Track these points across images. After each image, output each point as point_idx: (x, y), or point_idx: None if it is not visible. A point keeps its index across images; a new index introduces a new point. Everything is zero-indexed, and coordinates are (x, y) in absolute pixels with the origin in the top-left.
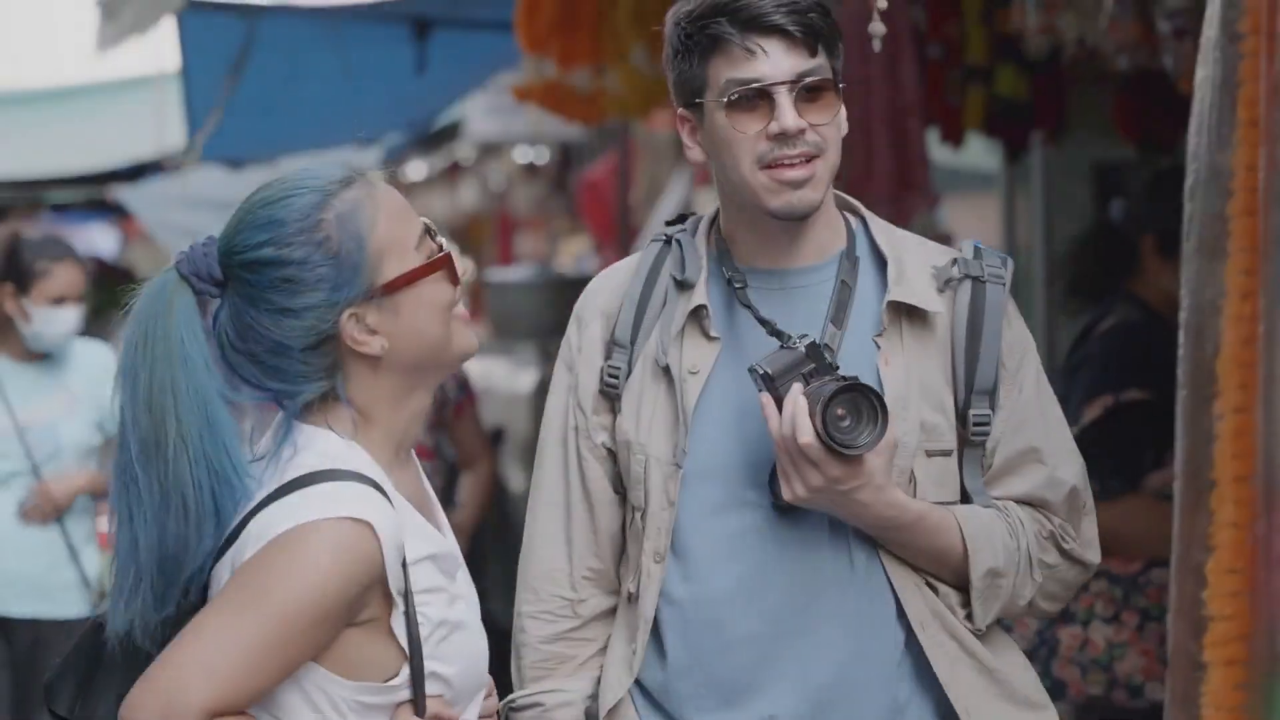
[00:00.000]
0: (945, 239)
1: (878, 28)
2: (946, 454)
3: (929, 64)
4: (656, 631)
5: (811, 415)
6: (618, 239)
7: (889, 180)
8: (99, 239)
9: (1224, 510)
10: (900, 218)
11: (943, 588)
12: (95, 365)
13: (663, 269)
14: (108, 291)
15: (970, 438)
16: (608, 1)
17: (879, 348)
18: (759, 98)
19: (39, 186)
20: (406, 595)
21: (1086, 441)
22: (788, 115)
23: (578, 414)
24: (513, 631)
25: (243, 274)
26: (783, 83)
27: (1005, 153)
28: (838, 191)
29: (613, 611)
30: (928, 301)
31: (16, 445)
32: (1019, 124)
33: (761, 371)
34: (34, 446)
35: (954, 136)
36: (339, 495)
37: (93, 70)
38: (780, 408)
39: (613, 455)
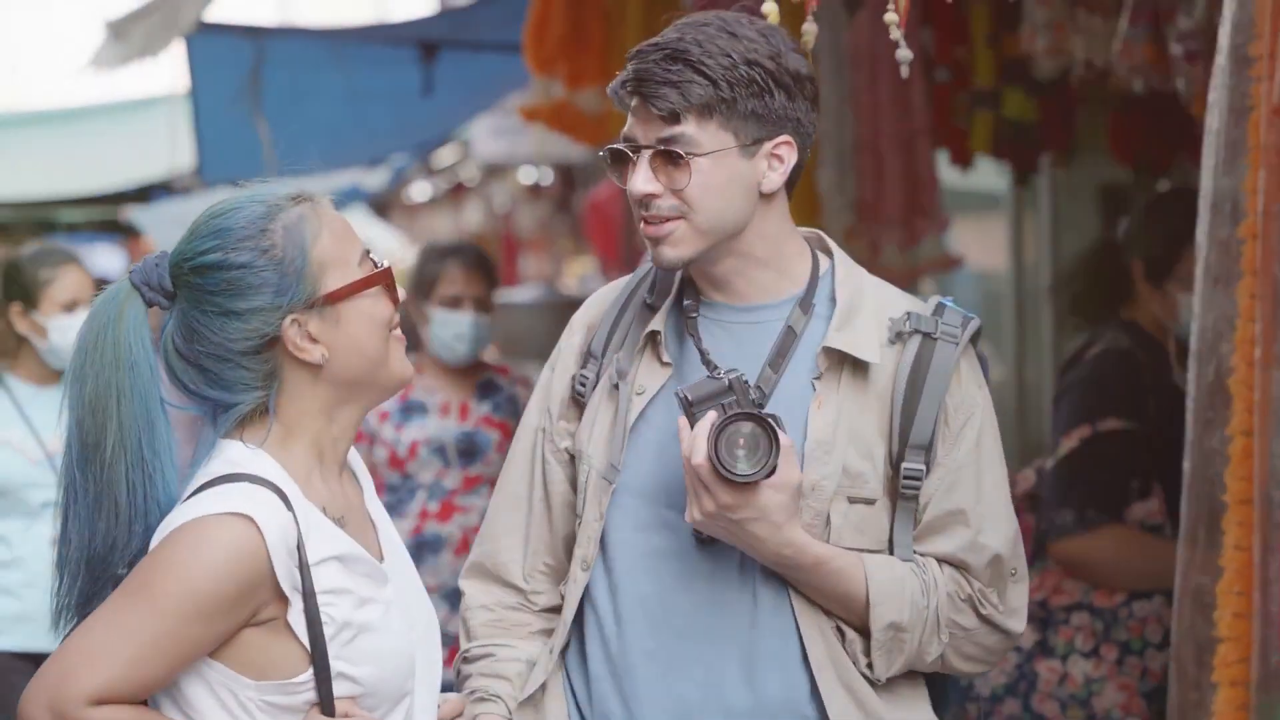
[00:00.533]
0: (954, 261)
1: (904, 54)
2: (869, 502)
3: (937, 87)
4: (580, 635)
5: (708, 439)
6: (623, 260)
7: (899, 203)
8: (106, 259)
9: (1231, 532)
10: (910, 240)
11: (850, 634)
12: None
13: (641, 290)
14: None
15: (901, 490)
16: (616, 22)
17: (815, 390)
18: (623, 159)
19: (47, 207)
20: (307, 594)
21: (1064, 471)
22: (635, 178)
23: (545, 416)
24: (460, 610)
25: (192, 279)
26: (640, 146)
27: (1014, 175)
28: (815, 231)
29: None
30: (865, 351)
31: (48, 473)
32: (1027, 146)
33: (683, 396)
34: None
35: (963, 159)
36: (227, 494)
37: (101, 91)
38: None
39: (574, 460)
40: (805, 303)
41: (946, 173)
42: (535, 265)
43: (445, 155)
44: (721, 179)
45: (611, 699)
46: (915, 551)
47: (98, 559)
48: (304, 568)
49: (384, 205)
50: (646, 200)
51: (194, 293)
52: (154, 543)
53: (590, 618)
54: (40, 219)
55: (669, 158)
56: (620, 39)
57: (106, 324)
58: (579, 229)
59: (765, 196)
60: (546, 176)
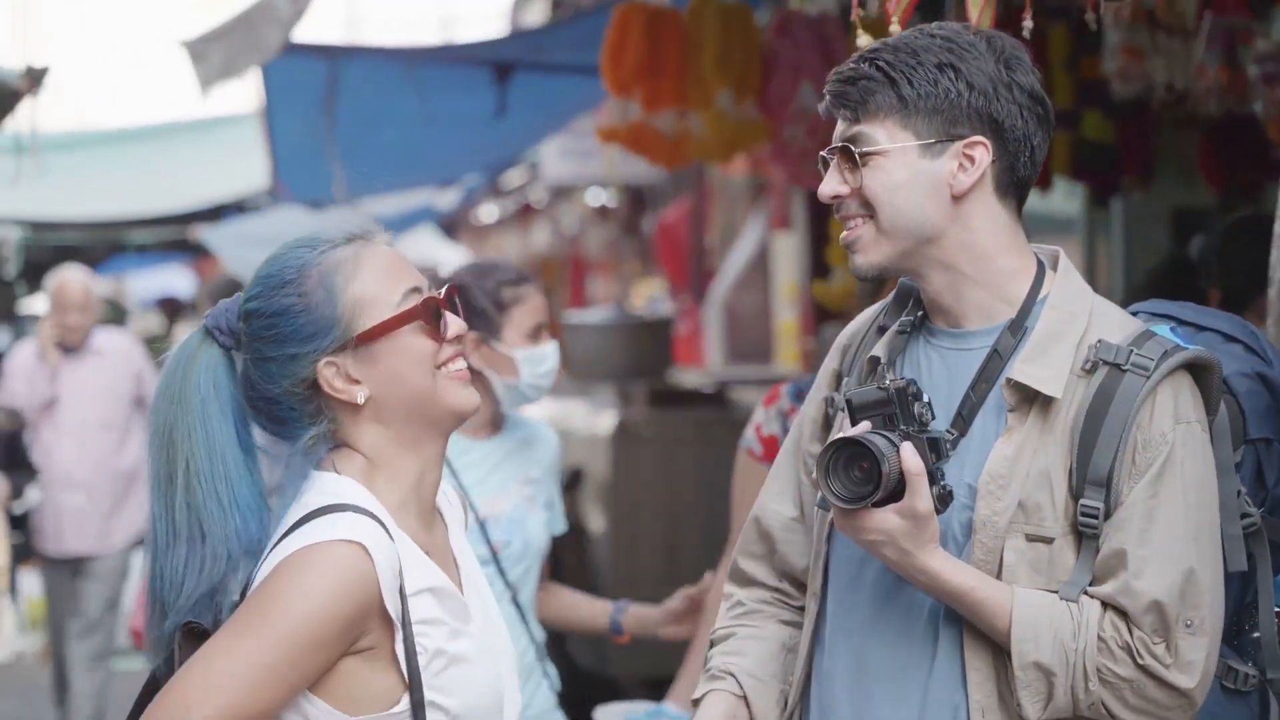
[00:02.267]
0: None
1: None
2: (1048, 540)
3: None
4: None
5: (817, 461)
6: (692, 282)
7: None
8: (175, 280)
9: None
10: None
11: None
12: (550, 445)
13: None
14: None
15: (1079, 528)
16: (693, 45)
17: (1007, 422)
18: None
19: (120, 228)
20: (405, 623)
21: None
22: (826, 181)
23: (799, 438)
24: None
25: (241, 325)
26: (832, 148)
27: (1092, 197)
28: (1054, 249)
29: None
30: (1047, 384)
31: (479, 541)
32: (1105, 169)
33: (845, 398)
34: (498, 545)
35: (1040, 180)
36: (335, 523)
37: (173, 111)
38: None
39: None
40: (1016, 326)
41: None
42: (603, 287)
43: (514, 177)
44: (903, 177)
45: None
46: (1085, 592)
47: (179, 587)
48: (404, 597)
49: (452, 226)
50: (836, 203)
51: (245, 337)
52: (261, 573)
53: (816, 646)
54: (111, 240)
55: (850, 158)
56: (697, 62)
57: (179, 366)
58: (646, 251)
59: (958, 199)
60: (614, 198)
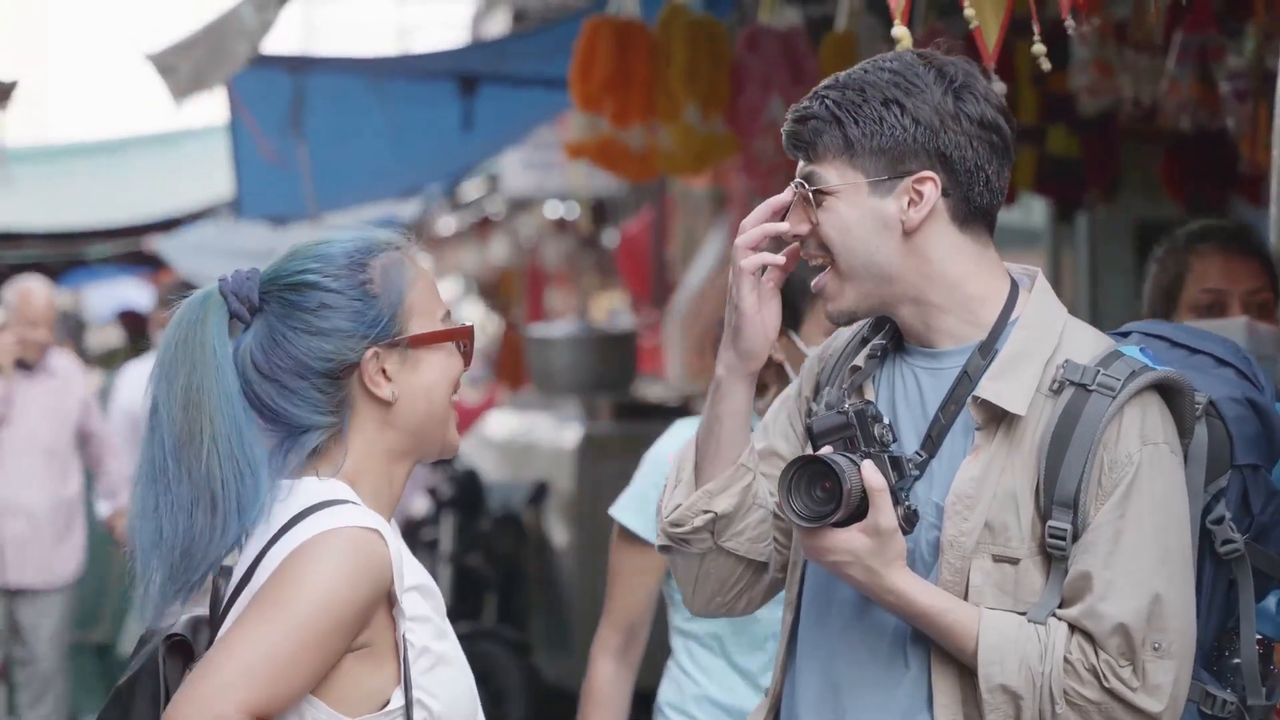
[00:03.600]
0: None
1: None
2: (1013, 561)
3: None
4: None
5: (779, 480)
6: (653, 294)
7: None
8: (134, 293)
9: None
10: None
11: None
12: None
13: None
14: (146, 344)
15: (1047, 549)
16: (661, 60)
17: (975, 441)
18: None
19: (75, 240)
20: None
21: None
22: (789, 217)
23: (761, 436)
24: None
25: (286, 294)
26: (793, 186)
27: (1057, 212)
28: (1031, 270)
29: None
30: (1013, 402)
31: None
32: (1070, 183)
33: (808, 427)
34: None
35: (1006, 195)
36: (348, 512)
37: (135, 124)
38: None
39: None
40: (986, 348)
41: None
42: (562, 300)
43: (472, 189)
44: (853, 217)
45: None
46: (1053, 614)
47: (192, 551)
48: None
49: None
50: (799, 240)
51: (285, 307)
52: (273, 563)
53: (789, 659)
54: (70, 253)
55: (806, 198)
56: (665, 77)
57: (193, 324)
58: (605, 263)
59: (910, 235)
60: (573, 211)
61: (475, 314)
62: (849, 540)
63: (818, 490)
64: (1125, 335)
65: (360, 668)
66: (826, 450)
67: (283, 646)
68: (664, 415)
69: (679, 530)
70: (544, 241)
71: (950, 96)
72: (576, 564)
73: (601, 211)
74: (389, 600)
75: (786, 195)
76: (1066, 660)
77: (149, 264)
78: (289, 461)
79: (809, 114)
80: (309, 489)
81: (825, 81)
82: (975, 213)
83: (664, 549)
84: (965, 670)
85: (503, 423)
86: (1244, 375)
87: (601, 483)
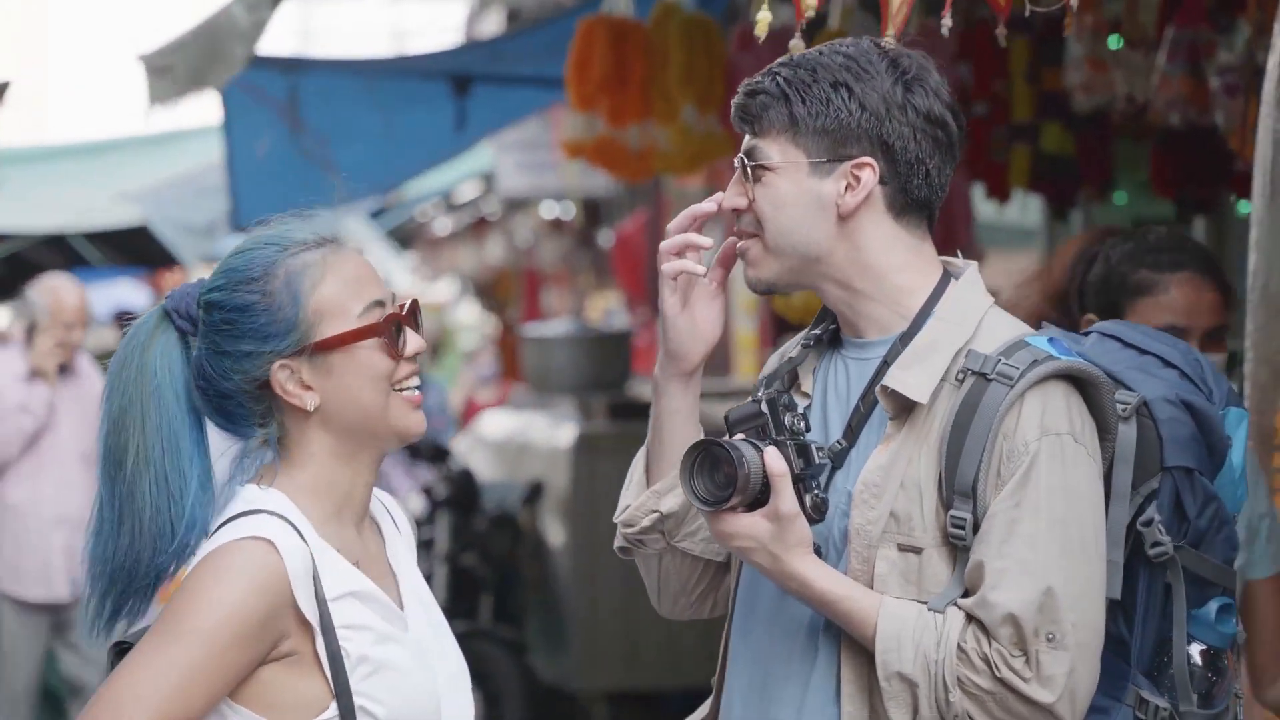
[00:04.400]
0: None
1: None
2: (917, 550)
3: (974, 121)
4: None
5: (680, 464)
6: (650, 293)
7: (934, 239)
8: (130, 294)
9: None
10: None
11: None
12: None
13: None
14: None
15: (949, 538)
16: (658, 60)
17: (887, 430)
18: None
19: (74, 241)
20: (325, 628)
21: None
22: (727, 192)
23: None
24: None
25: (201, 314)
26: (736, 159)
27: (1051, 209)
28: (965, 263)
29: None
30: (915, 391)
31: None
32: (1065, 181)
33: (725, 417)
34: None
35: (1000, 193)
36: (244, 524)
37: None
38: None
39: None
40: (906, 338)
41: (982, 207)
42: (558, 299)
43: (468, 190)
44: (790, 194)
45: None
46: (953, 603)
47: (122, 573)
48: (321, 602)
49: (407, 238)
50: (735, 214)
51: (202, 326)
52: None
53: (726, 648)
54: (65, 254)
55: (745, 172)
56: (662, 77)
57: (135, 347)
58: (601, 263)
59: (845, 219)
60: (568, 211)
61: (471, 314)
62: (751, 525)
63: (719, 475)
64: (1087, 334)
65: (286, 676)
66: (737, 438)
67: (180, 666)
68: None
69: (630, 531)
70: (540, 242)
71: (900, 87)
72: (572, 563)
73: (596, 211)
74: (298, 610)
75: (708, 205)
76: (960, 648)
77: (146, 265)
78: (245, 468)
79: (759, 89)
80: (243, 498)
81: (781, 59)
82: (912, 204)
83: (622, 550)
84: (872, 660)
85: (498, 422)
86: (1188, 378)
87: (597, 482)
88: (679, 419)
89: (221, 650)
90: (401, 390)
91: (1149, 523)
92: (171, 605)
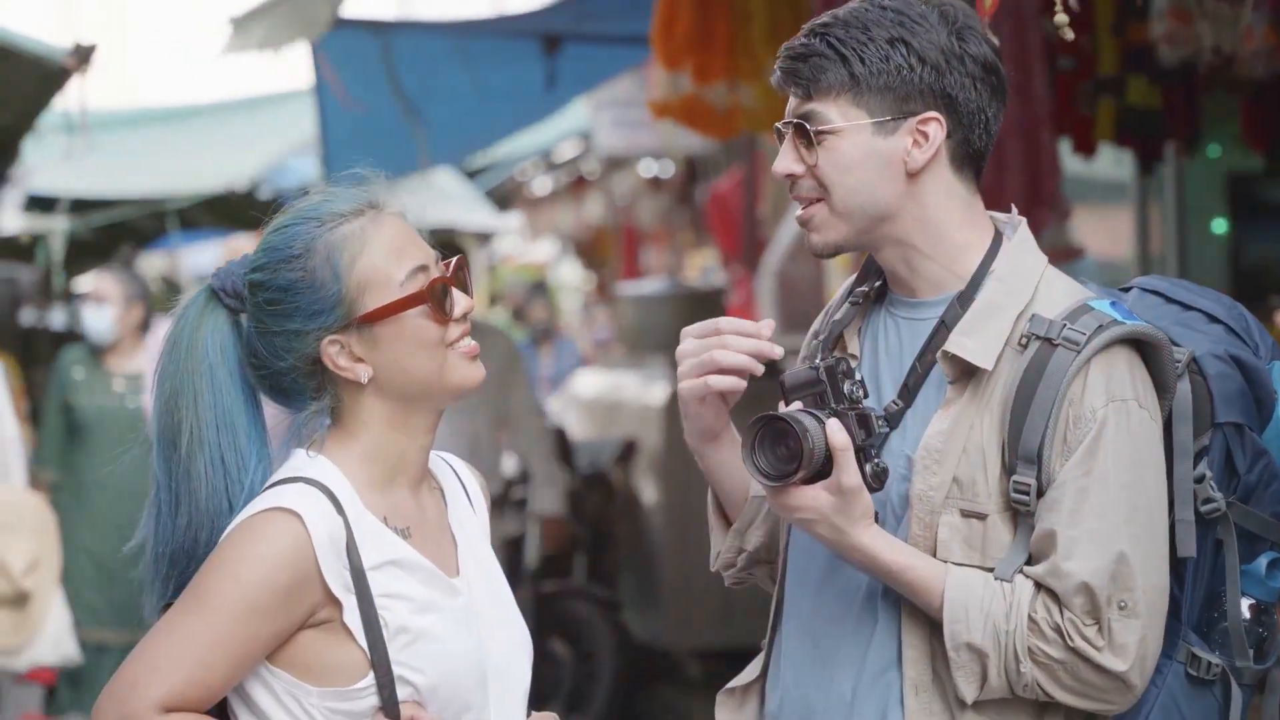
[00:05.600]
0: (1076, 252)
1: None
2: (981, 516)
3: (1060, 75)
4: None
5: (743, 437)
6: (745, 251)
7: (1020, 194)
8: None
9: None
10: (1032, 230)
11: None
12: None
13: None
14: None
15: (1012, 504)
16: (742, 18)
17: (947, 395)
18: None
19: (169, 205)
20: (362, 597)
21: None
22: (780, 158)
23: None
24: None
25: (246, 292)
26: (785, 124)
27: (1138, 163)
28: (1015, 220)
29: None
30: (980, 356)
31: None
32: (1152, 134)
33: (780, 381)
34: None
35: (1086, 147)
36: (278, 494)
37: (223, 89)
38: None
39: None
40: (965, 298)
41: (1069, 161)
42: (656, 258)
43: (567, 149)
44: (855, 156)
45: (771, 694)
46: (1020, 571)
47: (182, 553)
48: (357, 571)
49: (505, 198)
50: (790, 181)
51: (250, 305)
52: None
53: (777, 616)
54: (160, 218)
55: (804, 136)
56: (747, 34)
57: (186, 326)
58: (700, 221)
59: (913, 176)
60: (667, 169)
61: (573, 274)
62: (814, 498)
63: (781, 449)
64: (1128, 290)
65: (323, 642)
66: (795, 407)
67: (201, 637)
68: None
69: (731, 573)
70: (638, 200)
71: (954, 38)
72: (665, 522)
73: (693, 169)
74: (324, 581)
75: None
76: (1031, 619)
77: (250, 226)
78: (300, 434)
79: (810, 50)
80: (289, 465)
81: (821, 18)
82: (972, 156)
83: (736, 583)
84: (935, 627)
85: (590, 381)
86: (1234, 333)
87: None
88: (726, 467)
89: (242, 623)
90: (455, 347)
91: (1200, 479)
92: (195, 579)
